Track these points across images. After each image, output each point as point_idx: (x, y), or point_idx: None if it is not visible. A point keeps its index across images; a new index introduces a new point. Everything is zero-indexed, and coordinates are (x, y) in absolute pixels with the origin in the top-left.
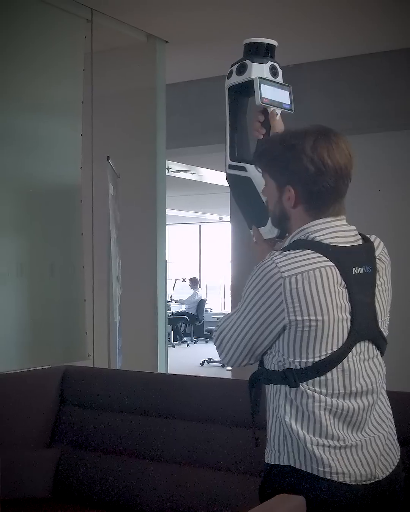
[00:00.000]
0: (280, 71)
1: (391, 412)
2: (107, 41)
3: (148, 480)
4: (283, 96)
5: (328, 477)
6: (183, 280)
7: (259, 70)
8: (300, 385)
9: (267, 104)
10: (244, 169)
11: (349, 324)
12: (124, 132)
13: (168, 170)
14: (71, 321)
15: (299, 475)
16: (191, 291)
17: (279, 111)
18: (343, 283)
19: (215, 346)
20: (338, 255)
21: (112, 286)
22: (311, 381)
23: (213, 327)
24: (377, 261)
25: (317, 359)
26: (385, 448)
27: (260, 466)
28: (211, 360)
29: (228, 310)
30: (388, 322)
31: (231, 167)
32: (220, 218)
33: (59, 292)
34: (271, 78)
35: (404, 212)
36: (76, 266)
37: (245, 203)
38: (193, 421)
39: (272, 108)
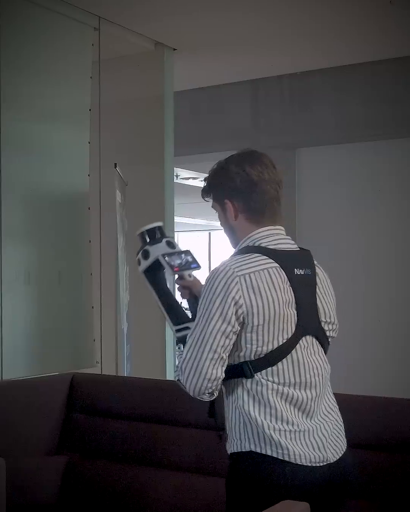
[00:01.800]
0: (176, 244)
1: (336, 405)
2: (115, 49)
3: (157, 489)
4: (187, 259)
5: (286, 459)
6: None
7: (159, 249)
8: (255, 375)
9: (178, 272)
10: (188, 328)
11: (295, 319)
12: (132, 140)
13: (177, 177)
14: (79, 328)
15: (261, 459)
16: None
17: (190, 272)
18: (288, 282)
19: (181, 379)
20: (282, 258)
21: (120, 293)
22: (264, 371)
23: None
24: (316, 267)
25: (269, 350)
26: (333, 434)
27: None
28: None
29: None
30: (336, 326)
31: (178, 331)
32: None
33: (67, 299)
34: (171, 250)
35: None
36: (84, 273)
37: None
38: (202, 428)
39: (185, 272)
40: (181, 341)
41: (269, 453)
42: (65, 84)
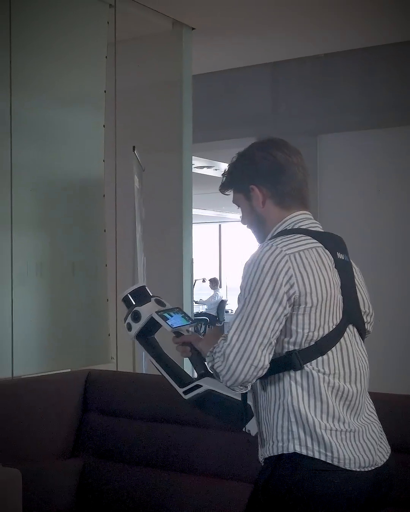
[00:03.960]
0: (165, 301)
1: None
2: (131, 29)
3: (178, 494)
4: (179, 317)
5: (335, 463)
6: (203, 281)
7: (150, 308)
8: (305, 367)
9: (175, 327)
10: (197, 386)
11: (342, 304)
12: (148, 125)
13: None
14: (94, 323)
15: (307, 462)
16: (212, 291)
17: (187, 327)
18: (334, 264)
19: (221, 366)
20: (325, 240)
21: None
22: (314, 361)
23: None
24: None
25: (320, 336)
26: (380, 435)
27: None
28: None
29: None
30: (373, 319)
31: (186, 392)
32: (241, 217)
33: (81, 292)
34: (162, 308)
35: None
36: (99, 265)
37: (221, 411)
38: (225, 430)
39: (182, 328)
40: (196, 399)
41: (316, 456)
42: (79, 64)
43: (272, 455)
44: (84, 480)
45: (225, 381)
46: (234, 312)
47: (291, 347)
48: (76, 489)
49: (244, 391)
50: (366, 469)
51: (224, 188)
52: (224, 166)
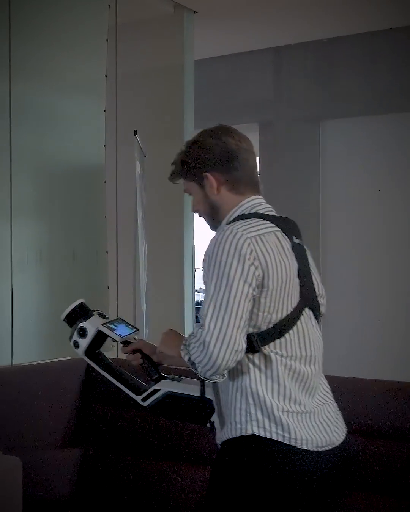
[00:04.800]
0: (106, 314)
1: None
2: (133, 12)
3: (179, 483)
4: (124, 325)
5: (293, 443)
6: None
7: (94, 322)
8: (263, 349)
9: (124, 337)
10: (154, 391)
11: (299, 287)
12: (150, 110)
13: None
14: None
15: (265, 444)
16: None
17: (133, 335)
18: (291, 248)
19: (200, 356)
20: (281, 224)
21: (139, 272)
22: (272, 343)
23: None
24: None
25: (278, 319)
26: (336, 415)
27: None
28: None
29: None
30: (325, 301)
31: (144, 399)
32: None
33: (81, 279)
34: (106, 321)
35: None
36: (100, 252)
37: (183, 412)
38: None
39: (129, 337)
40: (156, 404)
41: (274, 437)
42: (79, 48)
43: (230, 437)
44: (84, 469)
45: (205, 371)
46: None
47: (250, 330)
48: (76, 478)
49: (221, 380)
50: (323, 449)
51: (175, 177)
52: None
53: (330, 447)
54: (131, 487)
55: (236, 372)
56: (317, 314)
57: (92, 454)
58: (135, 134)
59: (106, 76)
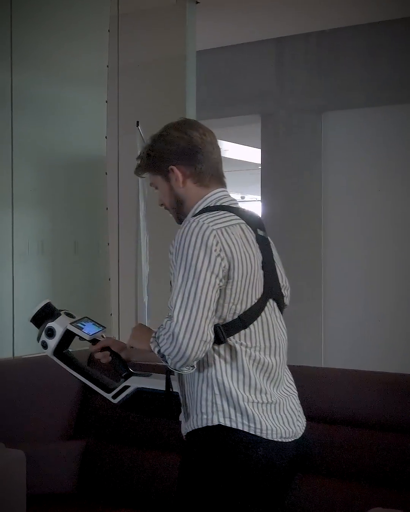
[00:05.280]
0: (73, 314)
1: None
2: (135, 2)
3: None
4: (91, 323)
5: (258, 433)
6: None
7: (62, 321)
8: (228, 340)
9: (92, 335)
10: (124, 388)
11: (263, 279)
12: (151, 101)
13: None
14: (95, 302)
15: (231, 434)
16: None
17: (101, 333)
18: (255, 240)
19: (170, 348)
20: (245, 217)
21: (141, 264)
22: (237, 334)
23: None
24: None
25: (243, 310)
26: (299, 407)
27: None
28: None
29: None
30: (289, 293)
31: (115, 396)
32: (242, 197)
33: (82, 271)
34: (73, 320)
35: None
36: (101, 243)
37: (153, 407)
38: None
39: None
40: (127, 400)
41: (240, 427)
42: (80, 38)
43: (196, 428)
44: (86, 461)
45: (175, 363)
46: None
47: (216, 321)
48: (78, 470)
49: (191, 371)
50: (287, 440)
51: (141, 171)
52: (225, 145)
53: (293, 439)
54: (133, 479)
55: (202, 363)
56: (281, 306)
57: (94, 446)
58: (137, 125)
59: (107, 66)
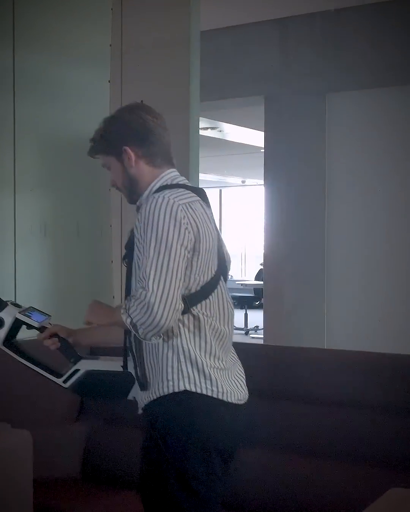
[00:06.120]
0: (19, 304)
1: None
2: None
3: None
4: (38, 312)
5: (220, 397)
6: None
7: (10, 311)
8: (192, 310)
9: (40, 322)
10: (75, 371)
11: (217, 253)
12: (155, 82)
13: None
14: (97, 285)
15: (197, 398)
16: None
17: (48, 320)
18: (211, 217)
19: (144, 318)
20: (200, 195)
21: None
22: (199, 304)
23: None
24: None
25: (205, 281)
26: (243, 374)
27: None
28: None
29: (249, 276)
30: (230, 266)
31: (66, 381)
32: (243, 182)
33: (85, 253)
34: (20, 309)
35: None
36: (104, 225)
37: (104, 388)
38: None
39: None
40: (78, 384)
41: (204, 392)
42: (83, 16)
43: (161, 395)
44: (90, 445)
45: (147, 332)
46: (233, 278)
47: (182, 292)
48: (82, 454)
49: (159, 340)
50: (241, 402)
51: (94, 152)
52: (226, 128)
53: (243, 402)
54: (137, 462)
55: (167, 332)
56: (226, 280)
57: (99, 430)
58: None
59: (110, 45)
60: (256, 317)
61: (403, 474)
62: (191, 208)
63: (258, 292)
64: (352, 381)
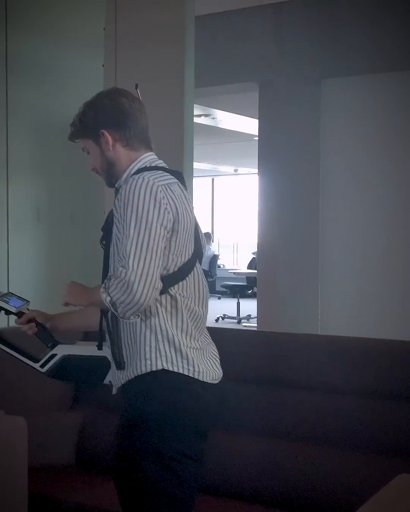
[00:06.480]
0: None
1: None
2: None
3: None
4: (15, 297)
5: (196, 376)
6: None
7: None
8: (169, 290)
9: (18, 308)
10: (52, 356)
11: (193, 236)
12: (149, 67)
13: None
14: (91, 272)
15: (174, 377)
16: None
17: (26, 305)
18: (190, 200)
19: (123, 296)
20: (178, 178)
21: None
22: (177, 285)
23: (226, 283)
24: None
25: (182, 262)
26: (216, 354)
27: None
28: (226, 316)
29: (241, 265)
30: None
31: (43, 365)
32: (235, 170)
33: (79, 239)
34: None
35: None
36: (98, 211)
37: (81, 373)
38: (233, 380)
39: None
40: (55, 368)
41: (181, 371)
42: (77, 1)
43: (138, 374)
44: (85, 433)
45: (126, 310)
46: (225, 267)
47: (161, 272)
48: (77, 442)
49: (137, 319)
50: (214, 381)
51: (74, 136)
52: (219, 115)
53: (217, 381)
54: None
55: (145, 311)
56: (201, 262)
57: (93, 417)
58: (136, 88)
59: (104, 29)
60: (248, 306)
61: (396, 460)
62: (170, 189)
63: (250, 281)
64: (346, 367)
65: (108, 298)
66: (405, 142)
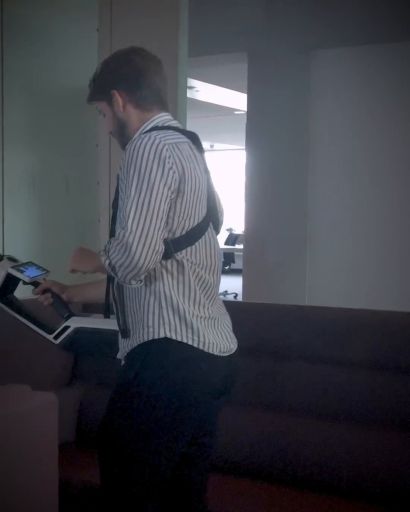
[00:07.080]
0: (16, 258)
1: None
2: None
3: None
4: (34, 267)
5: (201, 347)
6: None
7: (3, 265)
8: (175, 255)
9: (33, 278)
10: (65, 328)
11: (206, 199)
12: (143, 32)
13: None
14: (85, 243)
15: (176, 346)
16: None
17: (43, 277)
18: (202, 161)
19: (122, 259)
20: (192, 138)
21: None
22: (184, 250)
23: None
24: None
25: (191, 226)
26: (230, 325)
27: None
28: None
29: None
30: (223, 219)
31: (56, 337)
32: (211, 146)
33: (72, 210)
34: (15, 264)
35: None
36: (92, 182)
37: (93, 346)
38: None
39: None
40: (68, 340)
41: (185, 340)
42: None
43: (141, 342)
44: (84, 409)
45: (126, 274)
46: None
47: (165, 235)
48: (77, 418)
49: (140, 285)
50: (224, 354)
51: (90, 98)
52: (195, 85)
53: (228, 354)
54: None
55: (149, 277)
56: (217, 230)
57: (92, 392)
58: None
59: None
60: (225, 282)
61: (395, 432)
62: (178, 148)
63: (227, 256)
64: (335, 338)
65: (108, 261)
66: (396, 116)
